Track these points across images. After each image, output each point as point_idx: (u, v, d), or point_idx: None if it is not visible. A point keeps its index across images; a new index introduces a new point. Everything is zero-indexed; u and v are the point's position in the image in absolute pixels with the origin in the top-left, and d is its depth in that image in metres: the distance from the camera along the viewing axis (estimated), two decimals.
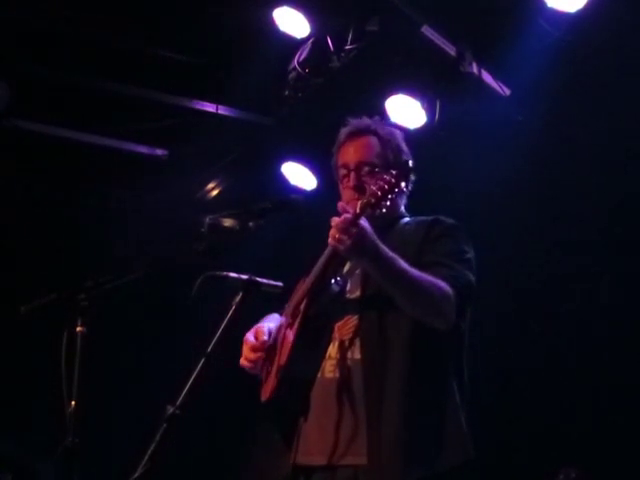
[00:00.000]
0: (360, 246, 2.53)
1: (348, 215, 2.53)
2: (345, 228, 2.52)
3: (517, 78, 4.78)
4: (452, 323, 2.70)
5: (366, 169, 2.94)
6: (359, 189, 2.90)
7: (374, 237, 2.57)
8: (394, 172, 2.51)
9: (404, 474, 2.60)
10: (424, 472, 2.62)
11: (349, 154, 3.00)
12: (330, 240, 2.57)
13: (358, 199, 2.78)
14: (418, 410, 2.66)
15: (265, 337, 2.96)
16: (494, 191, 5.16)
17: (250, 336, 2.99)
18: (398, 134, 3.08)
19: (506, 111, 4.91)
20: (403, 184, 2.51)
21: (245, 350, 2.97)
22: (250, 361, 2.95)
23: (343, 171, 3.00)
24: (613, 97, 4.73)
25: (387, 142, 3.00)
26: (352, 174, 2.96)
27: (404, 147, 3.05)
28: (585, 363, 5.12)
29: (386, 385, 2.67)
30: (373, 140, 3.00)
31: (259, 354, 2.94)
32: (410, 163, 2.55)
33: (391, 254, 2.60)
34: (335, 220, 2.56)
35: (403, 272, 2.60)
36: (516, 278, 5.44)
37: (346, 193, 2.97)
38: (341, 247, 2.54)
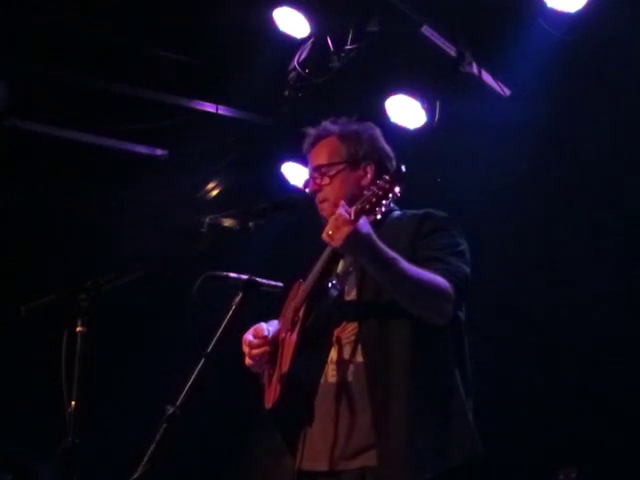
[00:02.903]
0: (353, 243, 2.54)
1: (343, 212, 2.54)
2: (339, 225, 2.53)
3: (517, 78, 4.78)
4: (450, 318, 2.72)
5: (319, 172, 3.01)
6: (315, 193, 3.01)
7: (371, 235, 2.57)
8: (387, 178, 2.52)
9: (415, 474, 2.60)
10: (435, 471, 2.61)
11: (309, 163, 3.11)
12: (324, 235, 2.59)
13: (319, 203, 2.96)
14: (424, 409, 2.66)
15: (265, 332, 2.96)
16: (494, 191, 5.16)
17: (249, 335, 2.99)
18: (369, 128, 3.10)
19: (506, 111, 4.91)
20: (397, 189, 2.52)
21: (246, 349, 2.97)
22: (255, 357, 2.94)
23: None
24: (613, 97, 4.73)
25: (349, 138, 3.04)
26: (310, 181, 3.05)
27: (379, 140, 3.09)
28: (585, 363, 5.13)
29: (390, 386, 2.67)
30: (329, 141, 3.06)
31: (263, 349, 2.94)
32: (403, 168, 2.56)
33: (389, 252, 2.60)
34: (331, 217, 2.60)
35: (402, 270, 2.61)
36: (516, 278, 5.44)
37: None
38: (334, 243, 2.56)
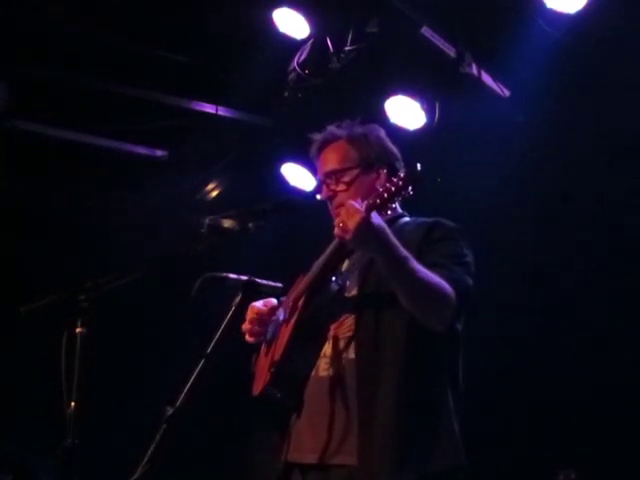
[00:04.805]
0: (365, 232, 2.53)
1: (355, 204, 2.54)
2: (351, 213, 2.53)
3: (517, 79, 4.79)
4: (449, 325, 2.71)
5: (333, 178, 2.98)
6: (330, 199, 2.97)
7: (384, 228, 2.57)
8: (402, 175, 2.52)
9: (394, 476, 2.60)
10: (414, 475, 2.61)
11: (318, 169, 3.07)
12: (336, 224, 2.58)
13: (334, 209, 2.92)
14: (410, 412, 2.65)
15: (275, 302, 2.98)
16: (494, 192, 5.16)
17: (258, 303, 2.99)
18: (375, 129, 3.08)
19: (506, 112, 4.91)
20: (410, 188, 2.51)
21: (250, 313, 2.97)
22: (253, 323, 2.96)
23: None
24: (613, 97, 4.73)
25: (358, 141, 3.02)
26: (323, 187, 3.02)
27: (387, 141, 3.07)
28: (585, 363, 5.13)
29: (379, 386, 2.67)
30: (338, 146, 3.03)
31: (266, 318, 2.96)
32: (419, 167, 2.54)
33: (401, 249, 2.60)
34: (342, 209, 2.61)
35: (412, 269, 2.60)
36: (516, 279, 5.44)
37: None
38: (346, 234, 2.55)
